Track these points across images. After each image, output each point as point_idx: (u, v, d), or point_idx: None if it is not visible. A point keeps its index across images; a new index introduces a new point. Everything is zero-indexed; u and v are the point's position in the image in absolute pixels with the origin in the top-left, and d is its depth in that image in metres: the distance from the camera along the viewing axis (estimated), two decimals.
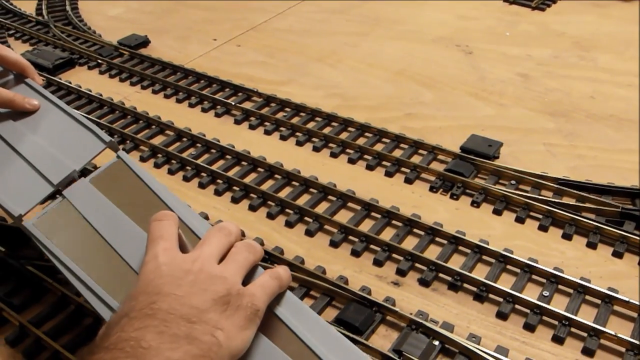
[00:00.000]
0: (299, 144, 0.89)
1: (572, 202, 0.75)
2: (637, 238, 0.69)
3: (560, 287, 0.65)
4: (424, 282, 0.65)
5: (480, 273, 0.66)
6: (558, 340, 0.59)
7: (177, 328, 0.39)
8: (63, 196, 0.55)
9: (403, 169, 0.83)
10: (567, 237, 0.71)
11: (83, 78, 1.06)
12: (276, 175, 0.81)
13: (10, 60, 0.65)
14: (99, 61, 1.10)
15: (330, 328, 0.46)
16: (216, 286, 0.42)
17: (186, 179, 0.81)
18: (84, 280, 0.49)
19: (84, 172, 0.57)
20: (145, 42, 1.16)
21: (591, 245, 0.70)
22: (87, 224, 0.53)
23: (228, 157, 0.85)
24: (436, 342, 0.58)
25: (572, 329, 0.60)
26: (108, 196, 0.55)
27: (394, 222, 0.73)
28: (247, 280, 0.45)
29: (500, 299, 0.63)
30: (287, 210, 0.75)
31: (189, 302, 0.40)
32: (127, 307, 0.41)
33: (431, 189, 0.79)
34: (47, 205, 0.55)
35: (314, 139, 0.89)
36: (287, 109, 0.96)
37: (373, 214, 0.75)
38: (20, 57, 0.65)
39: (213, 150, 0.86)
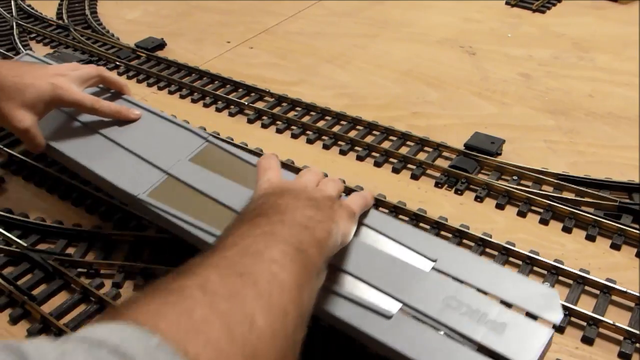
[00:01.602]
0: (310, 142, 0.91)
1: (571, 196, 0.77)
2: (635, 231, 0.70)
3: (560, 278, 0.66)
4: None
5: None
6: (559, 329, 0.61)
7: (307, 207, 0.48)
8: (168, 174, 0.64)
9: (409, 165, 0.85)
10: (567, 230, 0.73)
11: None
12: None
13: (112, 80, 0.75)
14: (117, 63, 1.13)
15: (415, 229, 0.59)
16: (324, 194, 0.52)
17: None
18: (192, 222, 0.59)
19: None
20: (161, 45, 1.19)
21: (590, 238, 0.72)
22: (190, 187, 0.63)
23: None
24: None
25: (572, 318, 0.62)
26: (205, 167, 0.65)
27: (401, 216, 0.75)
28: None
29: None
30: None
31: (309, 203, 0.49)
32: (253, 204, 0.50)
33: (436, 185, 0.81)
34: (156, 182, 0.64)
35: (323, 137, 0.91)
36: (298, 109, 0.98)
37: (381, 209, 0.76)
38: (119, 78, 0.75)
39: None
